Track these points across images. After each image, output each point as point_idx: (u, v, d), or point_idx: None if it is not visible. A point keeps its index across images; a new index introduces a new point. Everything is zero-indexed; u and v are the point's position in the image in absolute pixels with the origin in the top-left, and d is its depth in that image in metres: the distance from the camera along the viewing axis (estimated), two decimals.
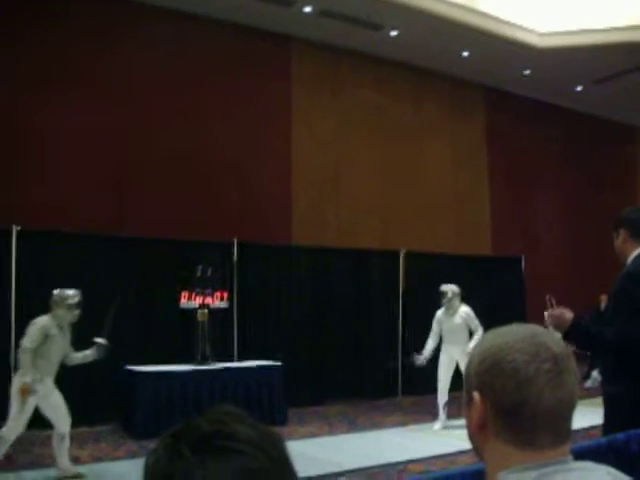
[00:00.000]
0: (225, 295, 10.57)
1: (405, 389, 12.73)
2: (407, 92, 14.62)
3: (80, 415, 9.63)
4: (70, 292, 6.83)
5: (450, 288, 9.51)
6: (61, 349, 6.76)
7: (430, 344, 9.50)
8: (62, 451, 6.82)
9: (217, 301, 10.37)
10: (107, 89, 11.13)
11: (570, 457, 1.16)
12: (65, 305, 6.73)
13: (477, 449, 1.23)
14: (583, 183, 17.47)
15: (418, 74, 14.64)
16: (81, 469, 7.27)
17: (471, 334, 9.26)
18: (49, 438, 8.91)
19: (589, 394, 10.65)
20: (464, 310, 9.38)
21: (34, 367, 6.48)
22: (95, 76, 11.05)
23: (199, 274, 10.27)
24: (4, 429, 6.48)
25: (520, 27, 13.47)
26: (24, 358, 6.45)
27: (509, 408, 1.14)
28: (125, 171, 11.14)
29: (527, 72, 15.15)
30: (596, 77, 15.33)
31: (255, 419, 0.95)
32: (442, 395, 9.35)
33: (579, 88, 16.15)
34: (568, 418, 1.17)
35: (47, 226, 10.06)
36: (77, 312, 6.86)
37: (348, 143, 13.62)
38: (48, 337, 6.56)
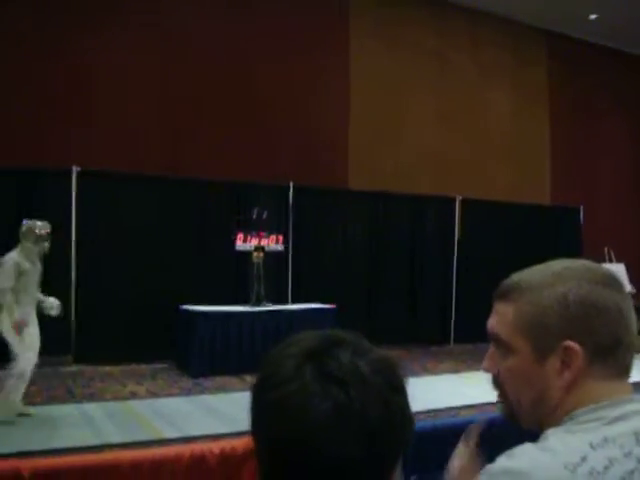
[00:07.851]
0: (280, 238, 10.59)
1: (457, 337, 12.74)
2: (467, 38, 14.25)
3: (137, 353, 9.91)
4: (39, 223, 6.57)
5: None
6: (36, 282, 6.58)
7: None
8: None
9: (272, 244, 10.40)
10: (164, 30, 11.08)
11: None
12: (34, 237, 6.50)
13: (543, 412, 1.13)
14: None
15: (479, 19, 14.25)
16: (137, 404, 7.45)
17: None
18: (108, 374, 9.20)
19: None
20: None
21: (18, 302, 6.35)
22: (154, 17, 11.00)
23: (255, 216, 10.30)
24: (19, 365, 6.32)
25: None
26: (3, 298, 6.27)
27: (610, 344, 1.09)
28: (183, 112, 11.14)
29: (593, 17, 14.60)
30: None
31: None
32: None
33: None
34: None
35: (106, 167, 10.17)
36: (46, 244, 6.61)
37: (407, 89, 13.40)
38: (22, 273, 6.37)
